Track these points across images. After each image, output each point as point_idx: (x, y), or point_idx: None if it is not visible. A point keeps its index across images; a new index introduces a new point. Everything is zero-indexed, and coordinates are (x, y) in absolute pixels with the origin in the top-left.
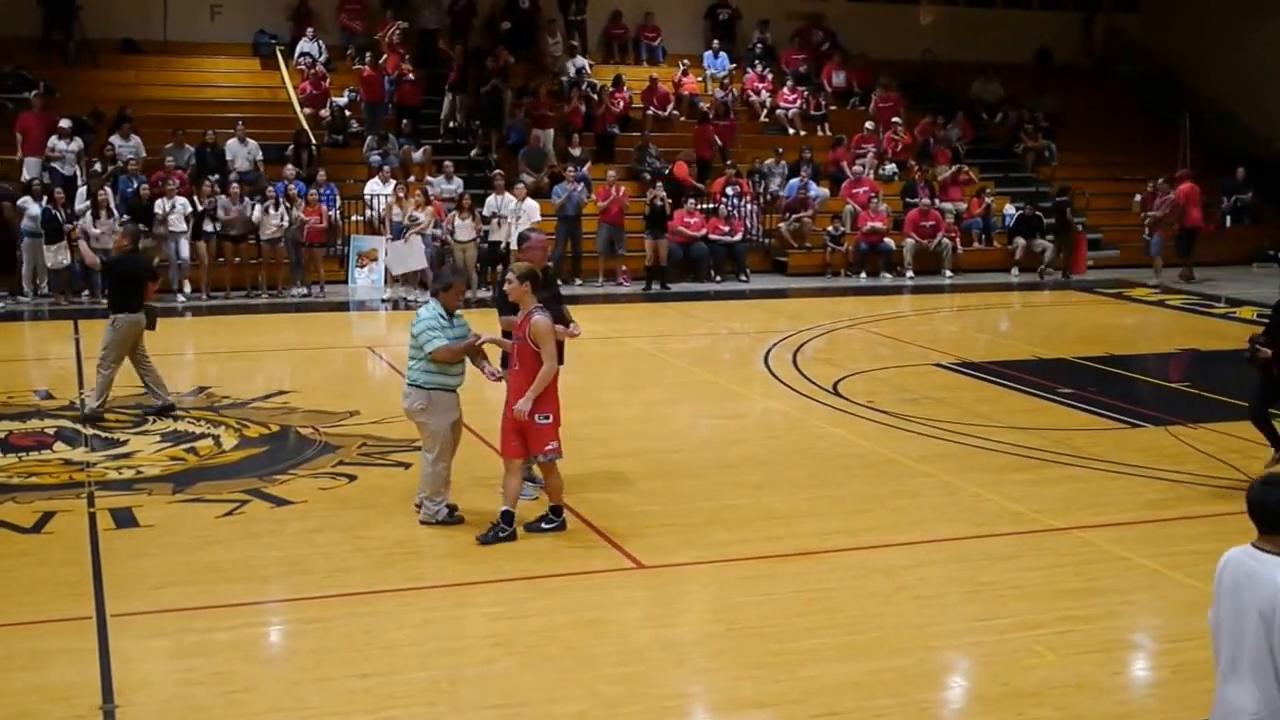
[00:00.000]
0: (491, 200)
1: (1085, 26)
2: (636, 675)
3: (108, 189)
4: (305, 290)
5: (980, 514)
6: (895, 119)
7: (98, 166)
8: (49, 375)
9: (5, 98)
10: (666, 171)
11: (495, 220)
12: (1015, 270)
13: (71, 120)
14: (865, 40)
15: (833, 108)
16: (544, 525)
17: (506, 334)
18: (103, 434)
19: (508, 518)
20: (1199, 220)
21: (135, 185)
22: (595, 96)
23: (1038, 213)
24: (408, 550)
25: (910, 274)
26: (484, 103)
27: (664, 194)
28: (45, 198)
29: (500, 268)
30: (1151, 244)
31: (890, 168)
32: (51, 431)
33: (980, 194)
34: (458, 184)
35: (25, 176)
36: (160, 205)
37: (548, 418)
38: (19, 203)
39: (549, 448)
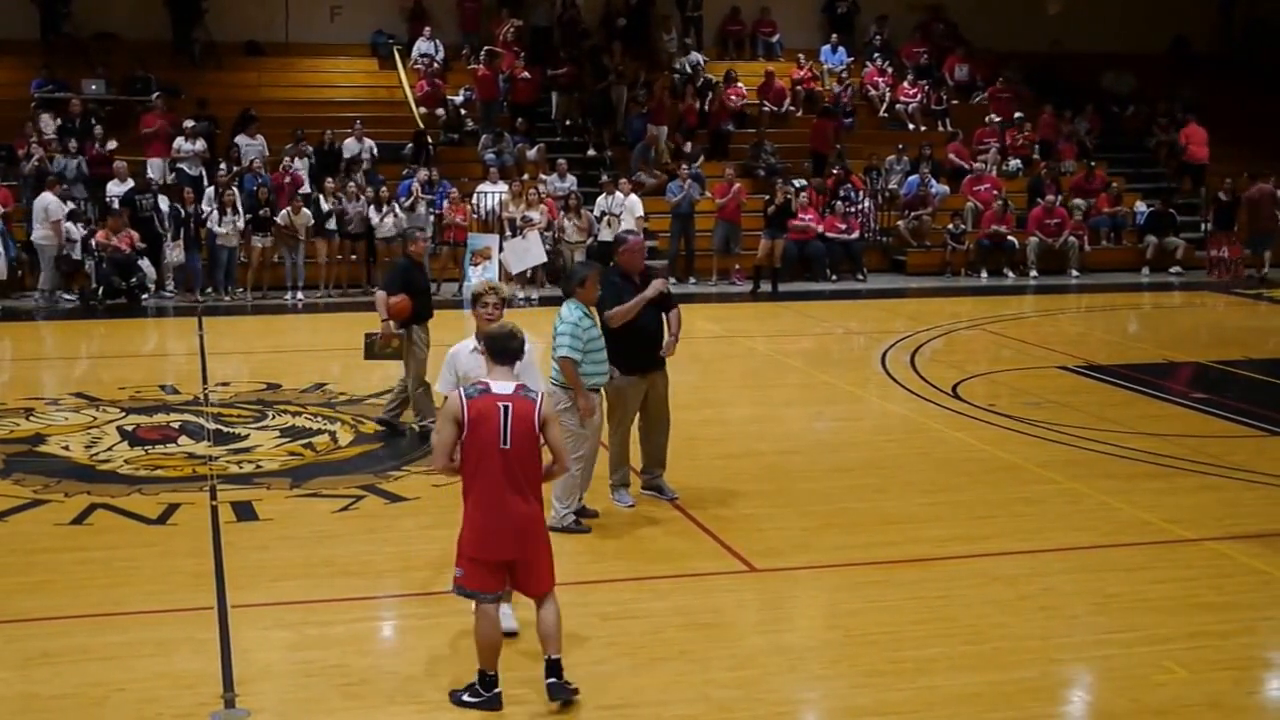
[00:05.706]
0: (601, 200)
1: (1224, 13)
2: (749, 679)
3: (234, 188)
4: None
5: (1108, 523)
6: (1019, 114)
7: (223, 166)
8: (174, 370)
9: (135, 100)
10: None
11: (605, 219)
12: (1146, 270)
13: (195, 121)
14: (989, 32)
15: (954, 102)
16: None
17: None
18: (224, 428)
19: (490, 683)
20: (1204, 158)
21: (256, 185)
22: (710, 92)
23: (1171, 209)
24: None
25: (1034, 273)
26: (596, 100)
27: (791, 190)
28: (170, 197)
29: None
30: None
31: (1014, 163)
32: (176, 425)
33: (1108, 189)
34: (571, 182)
35: (149, 176)
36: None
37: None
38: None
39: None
